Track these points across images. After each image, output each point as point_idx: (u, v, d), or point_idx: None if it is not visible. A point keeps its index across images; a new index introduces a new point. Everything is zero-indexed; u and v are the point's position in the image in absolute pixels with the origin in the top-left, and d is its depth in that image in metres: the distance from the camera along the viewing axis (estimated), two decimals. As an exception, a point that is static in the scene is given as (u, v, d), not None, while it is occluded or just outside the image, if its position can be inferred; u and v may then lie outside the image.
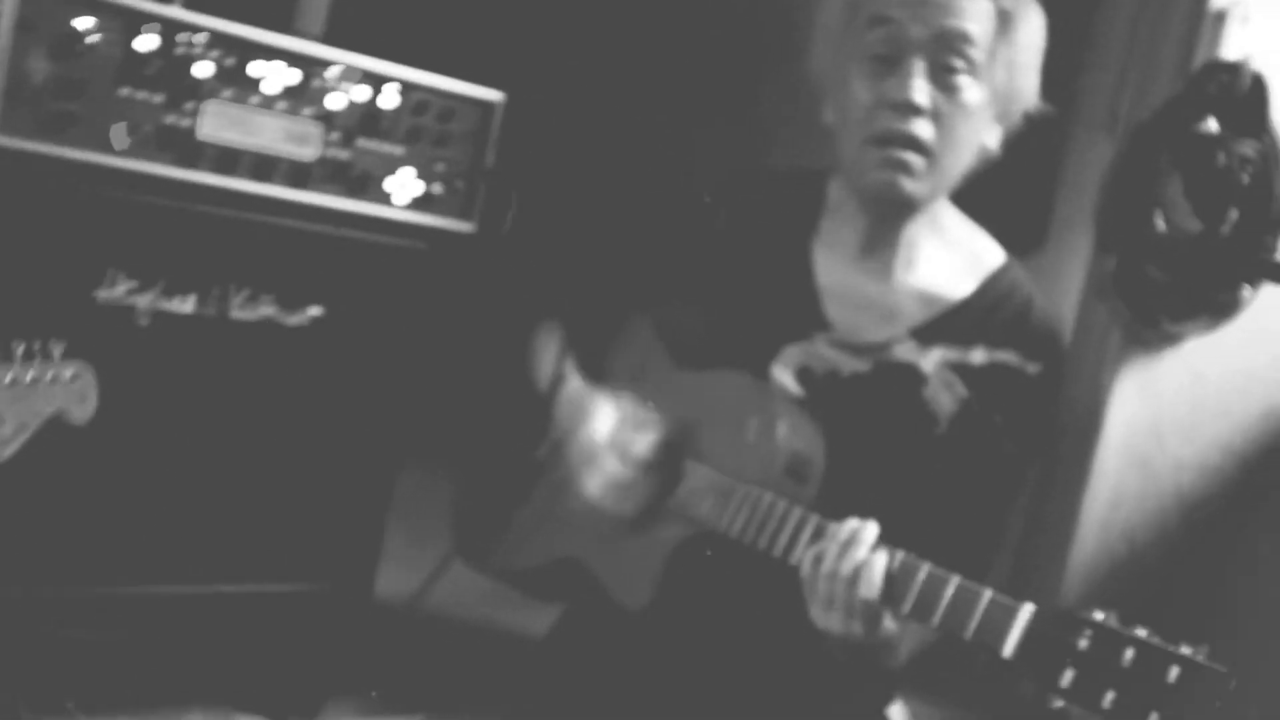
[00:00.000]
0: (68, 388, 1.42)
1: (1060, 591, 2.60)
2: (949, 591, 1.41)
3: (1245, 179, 2.30)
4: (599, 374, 1.93)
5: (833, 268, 1.81)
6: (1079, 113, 2.93)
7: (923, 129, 1.66)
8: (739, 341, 1.83)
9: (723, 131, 3.06)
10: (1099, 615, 1.31)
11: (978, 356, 1.75)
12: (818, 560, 1.50)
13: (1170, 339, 2.54)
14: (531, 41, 2.35)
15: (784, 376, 1.79)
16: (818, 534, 1.54)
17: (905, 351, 1.74)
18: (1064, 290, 2.87)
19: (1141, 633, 1.28)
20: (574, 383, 1.91)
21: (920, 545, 1.51)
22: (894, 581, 1.45)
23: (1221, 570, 2.61)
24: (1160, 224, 2.45)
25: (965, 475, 1.72)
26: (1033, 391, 1.75)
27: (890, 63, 1.67)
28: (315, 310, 2.00)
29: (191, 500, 1.97)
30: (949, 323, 1.75)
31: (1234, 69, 2.38)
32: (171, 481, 1.95)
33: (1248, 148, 2.31)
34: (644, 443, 1.76)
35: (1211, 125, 2.35)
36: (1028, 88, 1.75)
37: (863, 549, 1.48)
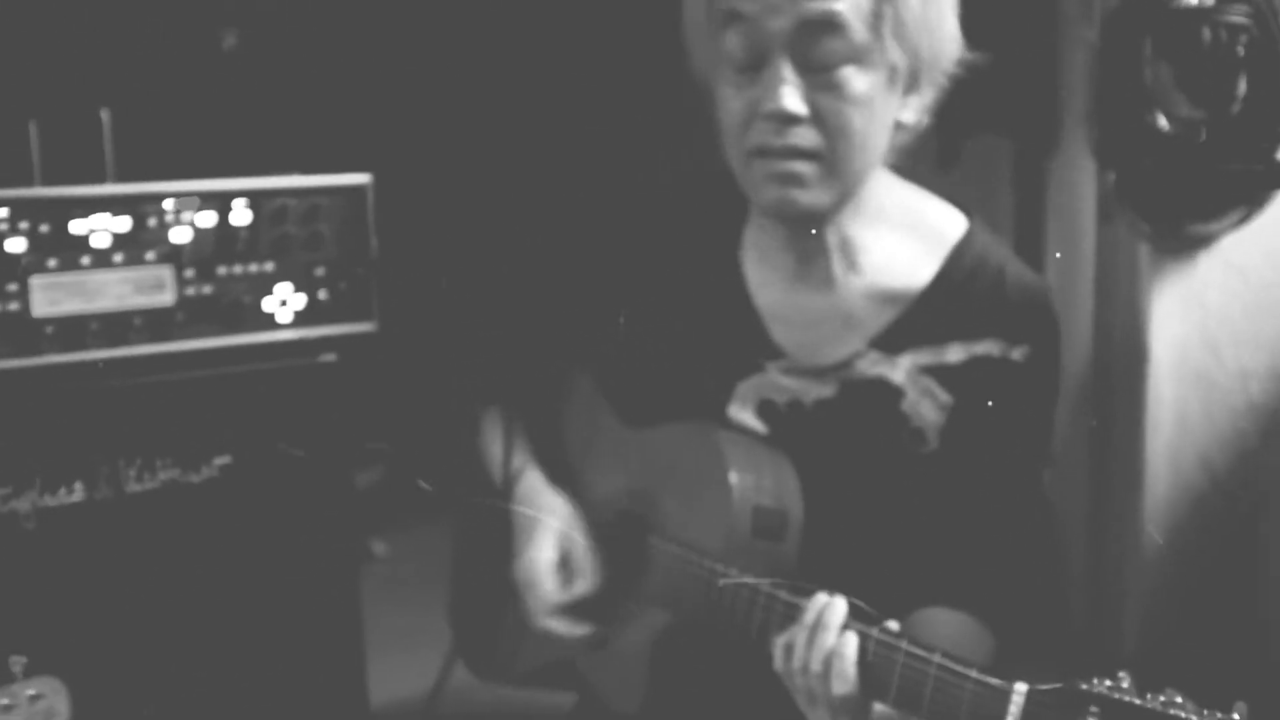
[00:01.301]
0: (28, 711, 1.26)
1: (1141, 543, 2.35)
2: (931, 675, 1.24)
3: (1241, 50, 1.98)
4: (555, 453, 1.76)
5: (768, 285, 1.60)
6: (1058, 4, 2.62)
7: (805, 137, 1.42)
8: (685, 387, 1.63)
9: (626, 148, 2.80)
10: (1106, 684, 1.12)
11: (954, 354, 1.52)
12: (788, 651, 1.34)
13: (1202, 241, 2.23)
14: (386, 110, 2.15)
15: (744, 416, 1.59)
16: (786, 616, 1.36)
17: (871, 365, 1.53)
18: (1082, 196, 2.57)
19: (1159, 699, 1.10)
20: (527, 481, 1.73)
21: (938, 580, 1.41)
22: (871, 669, 1.29)
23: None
24: (1161, 121, 2.14)
25: (971, 491, 1.51)
26: (1024, 380, 1.52)
27: (752, 67, 1.43)
28: (223, 459, 1.82)
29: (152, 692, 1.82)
30: (913, 321, 1.52)
31: (1207, -76, 2.04)
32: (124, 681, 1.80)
33: (1236, 13, 1.98)
34: (584, 585, 1.60)
35: (1190, -1, 2.03)
36: (942, 44, 1.48)
37: (830, 634, 1.31)
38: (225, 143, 1.84)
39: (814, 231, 1.53)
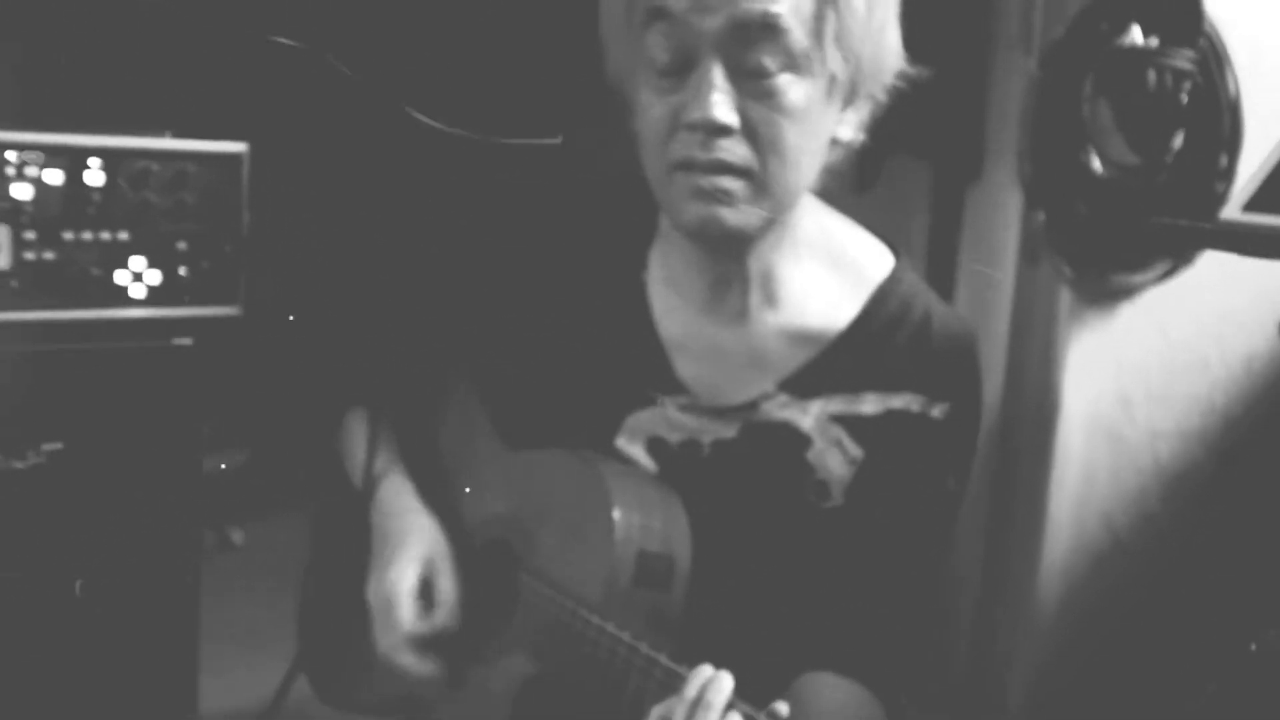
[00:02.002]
0: None
1: (1037, 594, 2.27)
2: None
3: (1184, 96, 1.90)
4: (428, 461, 1.60)
5: (674, 312, 1.46)
6: (997, 27, 2.52)
7: (734, 152, 1.28)
8: (572, 411, 1.49)
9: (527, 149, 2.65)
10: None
11: (869, 405, 1.41)
12: None
13: (1125, 292, 2.15)
14: (259, 76, 1.96)
15: (632, 451, 1.46)
16: (666, 685, 1.23)
17: (778, 408, 1.40)
18: (1005, 226, 2.48)
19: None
20: (391, 489, 1.57)
21: (829, 643, 1.33)
22: None
23: (1214, 548, 2.25)
24: (1094, 163, 2.06)
25: (874, 552, 1.40)
26: (942, 440, 1.41)
27: (677, 71, 1.29)
28: (52, 445, 1.62)
29: None
30: (829, 365, 1.40)
31: (1156, -37, 1.96)
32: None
33: (1182, 59, 1.90)
34: (443, 618, 1.44)
35: (1135, 36, 1.95)
36: (884, 55, 1.35)
37: (713, 715, 1.18)
38: (84, 93, 1.64)
39: (737, 258, 1.40)
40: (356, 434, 1.63)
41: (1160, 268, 2.13)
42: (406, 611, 1.44)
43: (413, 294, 1.67)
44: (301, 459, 1.70)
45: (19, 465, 1.60)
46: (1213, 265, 2.13)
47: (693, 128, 1.27)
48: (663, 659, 1.25)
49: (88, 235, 1.59)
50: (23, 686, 1.67)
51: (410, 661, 1.42)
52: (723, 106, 1.26)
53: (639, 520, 1.37)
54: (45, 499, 1.63)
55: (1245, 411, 2.24)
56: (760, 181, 1.30)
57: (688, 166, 1.29)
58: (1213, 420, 2.24)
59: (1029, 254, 2.07)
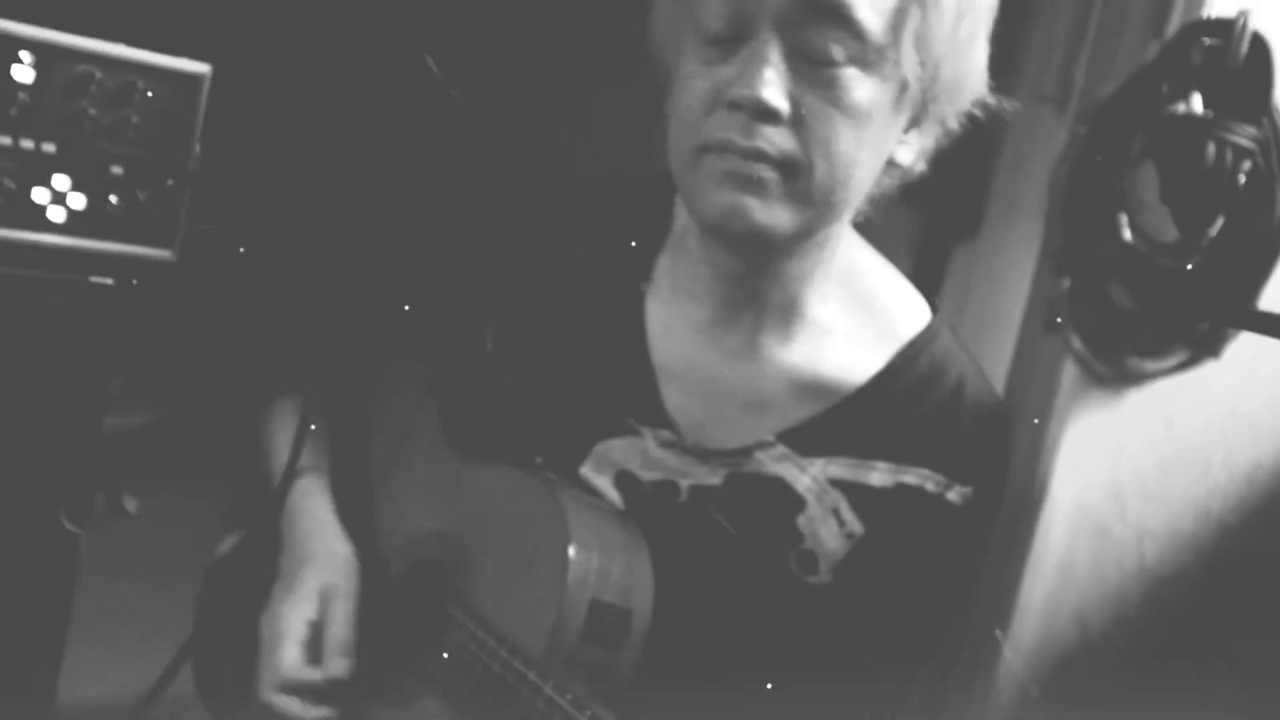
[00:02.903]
0: None
1: (994, 684, 2.10)
2: None
3: (1242, 176, 1.75)
4: (354, 465, 1.42)
5: (672, 334, 1.28)
6: (1020, 78, 2.37)
7: (777, 142, 1.10)
8: (534, 426, 1.31)
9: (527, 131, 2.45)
10: None
11: (879, 475, 1.24)
12: None
13: (1135, 377, 2.00)
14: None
15: (598, 482, 1.27)
16: None
17: (773, 461, 1.24)
18: (1002, 296, 2.34)
19: None
20: (312, 505, 1.38)
21: None
22: None
23: (1193, 661, 2.10)
24: (1125, 232, 1.89)
25: (853, 643, 1.25)
26: (956, 529, 1.25)
27: (731, 43, 1.11)
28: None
29: None
30: (839, 421, 1.24)
31: (1225, 30, 1.80)
32: None
33: (1245, 136, 1.75)
34: (335, 668, 1.25)
35: (1196, 105, 1.80)
36: (965, 73, 1.19)
37: None
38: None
39: (757, 278, 1.22)
40: (281, 422, 1.42)
41: (1178, 356, 1.97)
42: (291, 656, 1.25)
43: (375, 268, 1.46)
44: (215, 434, 1.48)
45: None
46: (1228, 364, 1.98)
47: (735, 106, 1.10)
48: (566, 701, 1.11)
49: (5, 140, 1.36)
50: None
51: (292, 707, 1.23)
52: (773, 88, 1.08)
53: (597, 563, 1.19)
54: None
55: (1241, 522, 2.10)
56: (802, 182, 1.12)
57: (722, 149, 1.10)
58: (1207, 527, 2.09)
59: (1048, 322, 1.90)
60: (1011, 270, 2.34)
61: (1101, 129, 1.84)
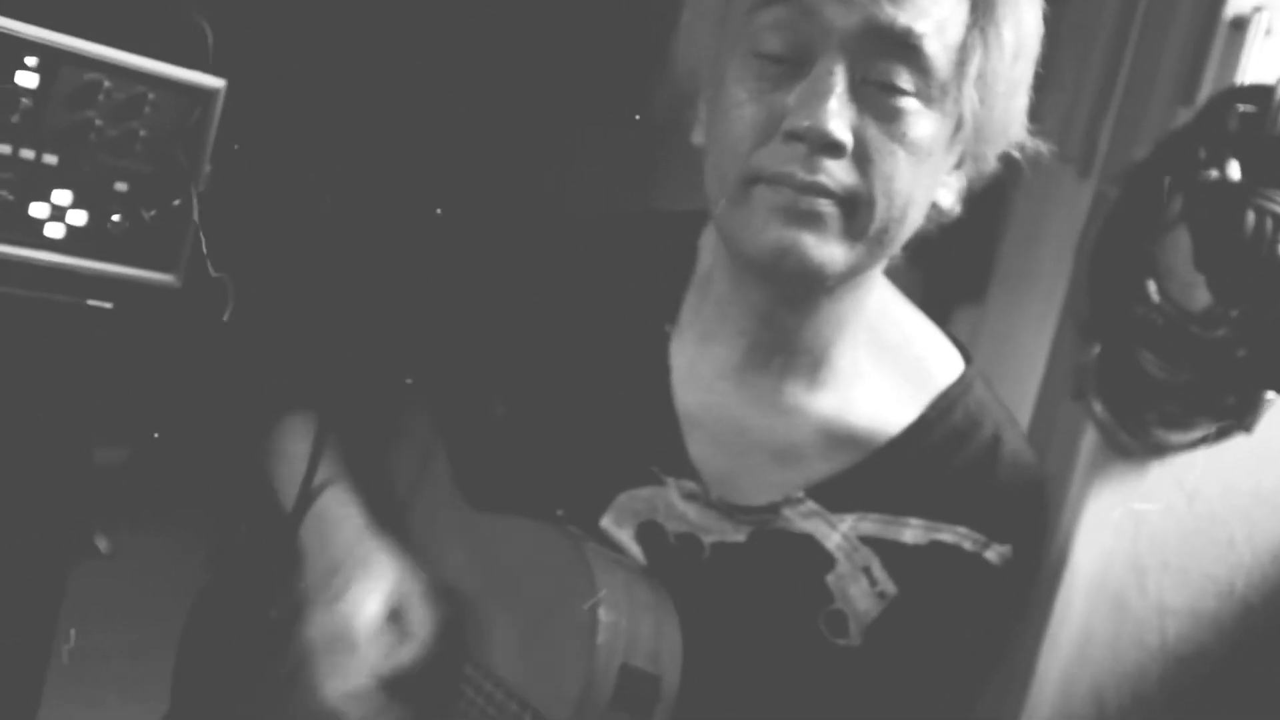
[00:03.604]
0: None
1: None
2: None
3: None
4: (378, 491, 1.37)
5: (699, 380, 1.23)
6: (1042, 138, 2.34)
7: (838, 178, 1.05)
8: (555, 475, 1.27)
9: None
10: None
11: (912, 533, 1.23)
12: None
13: (1159, 450, 1.93)
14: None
15: (619, 536, 1.20)
16: None
17: (801, 517, 1.22)
18: (1013, 361, 2.29)
19: None
20: (346, 515, 1.31)
21: None
22: None
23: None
24: (1154, 295, 1.84)
25: (887, 705, 1.24)
26: (994, 590, 1.25)
27: (791, 65, 1.06)
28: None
29: None
30: (870, 476, 1.23)
31: (1262, 96, 1.77)
32: None
33: (1281, 203, 1.70)
34: (410, 649, 1.21)
35: (1233, 171, 1.75)
36: (1010, 116, 1.15)
37: None
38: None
39: (790, 320, 1.16)
40: (292, 441, 1.35)
41: (1203, 429, 1.91)
42: (361, 659, 1.19)
43: (387, 300, 1.39)
44: (205, 462, 1.39)
45: None
46: (1251, 440, 1.93)
47: (796, 137, 1.05)
48: None
49: (4, 149, 1.27)
50: None
51: (365, 709, 1.17)
52: (839, 120, 1.04)
53: (626, 625, 1.14)
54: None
55: (1264, 602, 2.02)
56: (861, 219, 1.08)
57: (777, 182, 1.04)
58: (1230, 605, 2.02)
59: (1075, 390, 1.83)
60: (1023, 334, 2.28)
61: (1134, 192, 1.80)
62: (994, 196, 2.42)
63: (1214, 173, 1.73)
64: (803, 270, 1.10)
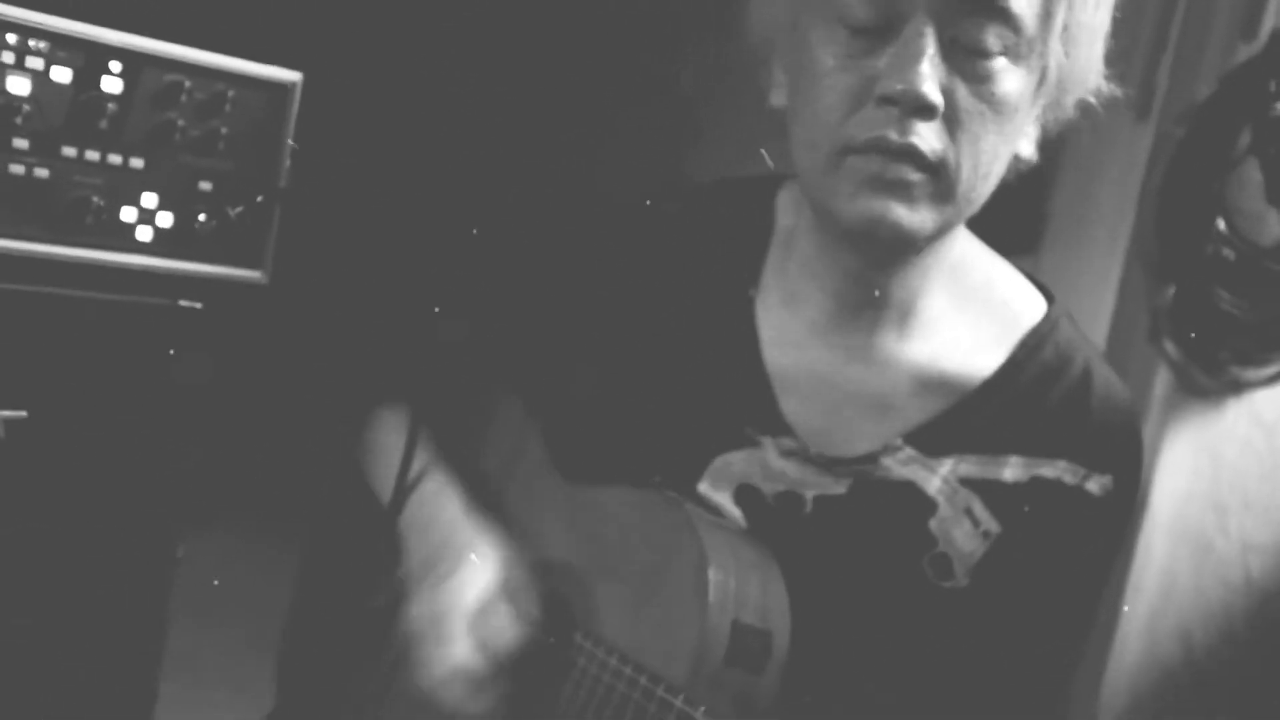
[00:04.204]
0: None
1: (1099, 704, 2.03)
2: None
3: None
4: (474, 480, 1.34)
5: (787, 341, 1.24)
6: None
7: (930, 140, 1.06)
8: (647, 444, 1.26)
9: (628, 123, 2.40)
10: None
11: (1012, 471, 1.20)
12: None
13: (1235, 387, 1.93)
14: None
15: (718, 499, 1.21)
16: None
17: (900, 465, 1.21)
18: (1077, 308, 2.27)
19: None
20: (445, 500, 1.31)
21: None
22: None
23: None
24: (1224, 232, 1.84)
25: (995, 647, 1.21)
26: (1097, 521, 1.20)
27: (878, 32, 1.06)
28: (13, 414, 1.29)
29: None
30: (967, 418, 1.20)
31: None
32: None
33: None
34: (516, 630, 1.19)
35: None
36: (1091, 64, 1.16)
37: None
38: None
39: (879, 277, 1.17)
40: (384, 434, 1.36)
41: (1278, 364, 1.91)
42: (466, 639, 1.18)
43: (472, 285, 1.40)
44: (313, 461, 1.42)
45: (-30, 433, 1.27)
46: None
47: (889, 101, 1.05)
48: None
49: (93, 155, 1.28)
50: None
51: (456, 698, 1.17)
52: (931, 82, 1.05)
53: (735, 585, 1.14)
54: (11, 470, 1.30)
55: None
56: (947, 182, 1.08)
57: (869, 150, 1.06)
58: (1313, 539, 2.03)
59: (1152, 333, 1.83)
60: (1083, 281, 2.28)
61: (1202, 130, 1.78)
62: (1046, 144, 2.43)
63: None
64: (895, 237, 1.10)
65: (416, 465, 1.30)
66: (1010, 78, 1.08)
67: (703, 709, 1.08)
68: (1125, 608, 1.92)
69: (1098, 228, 2.28)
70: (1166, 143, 1.86)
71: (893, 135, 1.06)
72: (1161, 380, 1.99)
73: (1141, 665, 2.03)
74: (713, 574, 1.13)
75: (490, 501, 1.35)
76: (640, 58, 2.79)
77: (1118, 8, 1.19)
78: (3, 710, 1.36)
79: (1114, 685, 2.02)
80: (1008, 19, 1.06)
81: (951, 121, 1.07)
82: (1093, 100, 1.20)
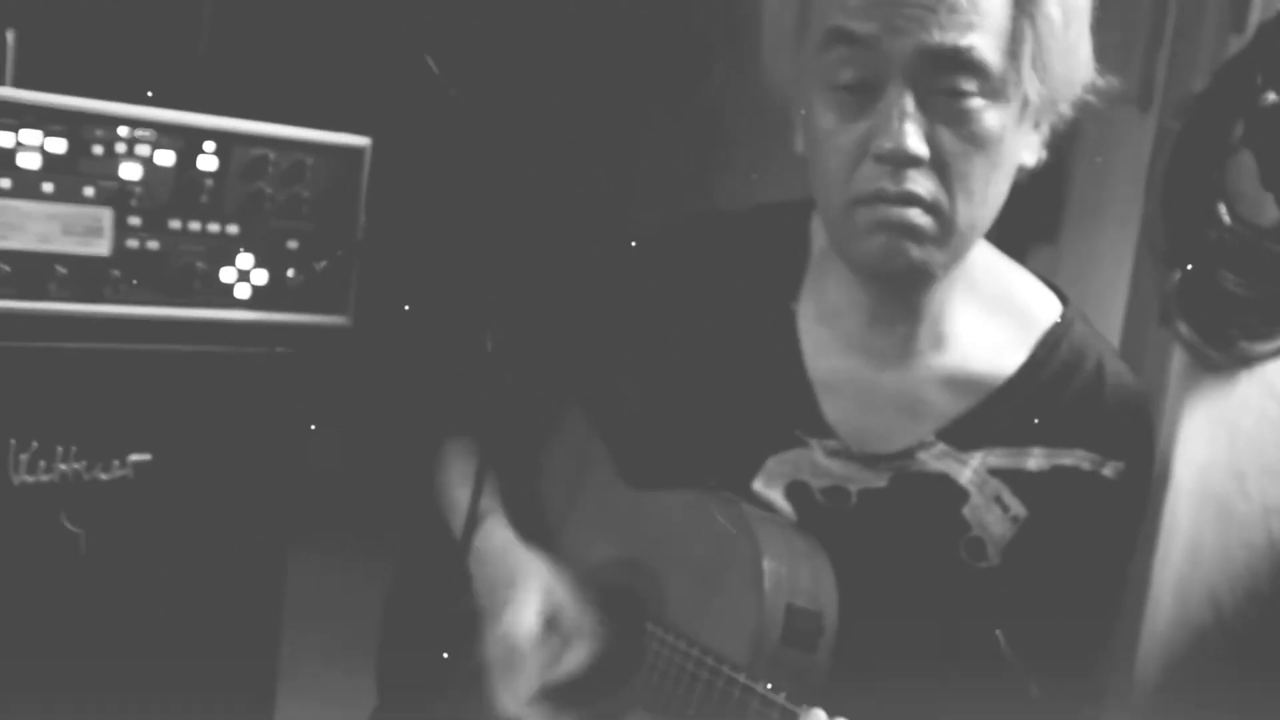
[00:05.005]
0: None
1: (1135, 669, 2.15)
2: None
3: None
4: (527, 505, 1.48)
5: (828, 349, 1.36)
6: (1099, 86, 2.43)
7: (923, 184, 1.19)
8: (705, 450, 1.38)
9: (663, 155, 2.54)
10: None
11: (1035, 460, 1.31)
12: None
13: (1246, 360, 2.05)
14: (387, 68, 1.82)
15: (770, 495, 1.34)
16: None
17: (935, 459, 1.31)
18: (1095, 295, 2.39)
19: None
20: (495, 531, 1.44)
21: (971, 705, 1.25)
22: None
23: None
24: (1227, 220, 1.95)
25: (1028, 620, 1.31)
26: (1113, 502, 1.32)
27: (864, 92, 1.19)
28: (140, 456, 1.47)
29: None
30: (992, 415, 1.31)
31: (1310, 18, 1.87)
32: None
33: (1342, 119, 1.80)
34: (575, 659, 1.32)
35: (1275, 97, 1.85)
36: (1076, 70, 1.27)
37: None
38: (198, 70, 1.49)
39: (908, 296, 1.30)
40: (456, 467, 1.50)
41: (1286, 337, 2.02)
42: (534, 660, 1.31)
43: (533, 315, 1.54)
44: (391, 487, 1.56)
45: (104, 477, 1.44)
46: (1335, 338, 2.03)
47: (881, 159, 1.18)
48: (782, 696, 1.18)
49: (195, 226, 1.45)
50: (106, 701, 1.51)
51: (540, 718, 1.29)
52: (914, 137, 1.17)
53: (788, 572, 1.26)
54: (129, 514, 1.47)
55: (1364, 493, 2.13)
56: (947, 219, 1.21)
57: (873, 200, 1.19)
58: (1331, 499, 2.14)
59: (1163, 316, 1.95)
60: (1100, 267, 2.39)
61: (1197, 122, 1.90)
62: (1059, 139, 2.53)
63: (1272, 95, 1.84)
64: (907, 271, 1.22)
65: (481, 505, 1.42)
66: (989, 115, 1.19)
67: (767, 685, 1.20)
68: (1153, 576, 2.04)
69: (1111, 216, 2.39)
70: (1167, 136, 1.98)
71: (889, 186, 1.19)
72: (1177, 359, 2.10)
73: (1174, 630, 2.13)
74: (767, 564, 1.26)
75: (557, 514, 1.49)
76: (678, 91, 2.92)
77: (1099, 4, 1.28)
78: (145, 705, 1.53)
79: (1148, 651, 2.13)
80: (975, 67, 1.16)
81: (940, 165, 1.19)
82: (1090, 98, 1.30)
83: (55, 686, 1.47)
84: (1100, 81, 1.29)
